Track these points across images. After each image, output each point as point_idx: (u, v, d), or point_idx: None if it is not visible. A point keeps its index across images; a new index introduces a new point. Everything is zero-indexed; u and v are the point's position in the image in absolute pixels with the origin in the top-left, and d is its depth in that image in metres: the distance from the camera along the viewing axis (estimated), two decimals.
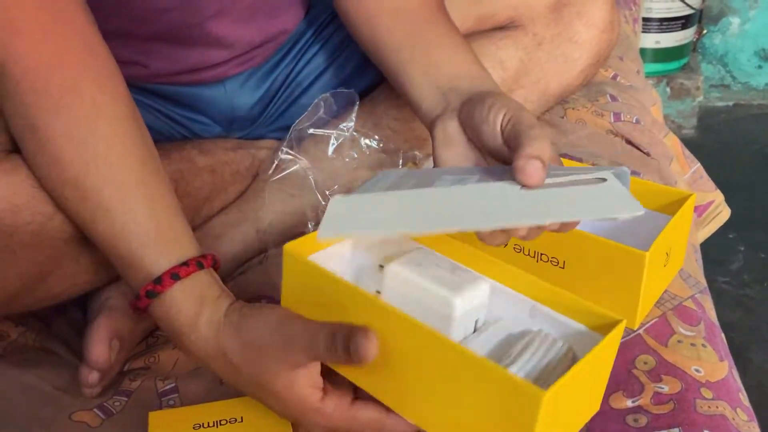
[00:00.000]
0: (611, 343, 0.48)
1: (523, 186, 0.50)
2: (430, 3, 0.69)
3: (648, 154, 0.87)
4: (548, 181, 0.51)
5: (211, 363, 0.52)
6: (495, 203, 0.50)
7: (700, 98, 2.07)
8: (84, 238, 0.57)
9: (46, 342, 0.68)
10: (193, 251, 0.54)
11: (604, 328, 0.49)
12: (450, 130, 0.59)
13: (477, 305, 0.50)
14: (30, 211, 0.53)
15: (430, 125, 0.62)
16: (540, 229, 0.51)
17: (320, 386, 0.50)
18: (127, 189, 0.53)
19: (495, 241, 0.51)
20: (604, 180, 0.50)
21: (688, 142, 1.06)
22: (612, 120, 0.92)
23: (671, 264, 0.67)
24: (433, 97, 0.63)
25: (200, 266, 0.53)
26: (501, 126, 0.54)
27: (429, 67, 0.65)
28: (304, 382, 0.49)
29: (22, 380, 0.61)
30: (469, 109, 0.58)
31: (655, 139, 0.92)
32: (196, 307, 0.52)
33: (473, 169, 0.58)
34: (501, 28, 0.82)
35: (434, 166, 0.61)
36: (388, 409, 0.50)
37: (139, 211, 0.53)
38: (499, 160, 0.56)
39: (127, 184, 0.53)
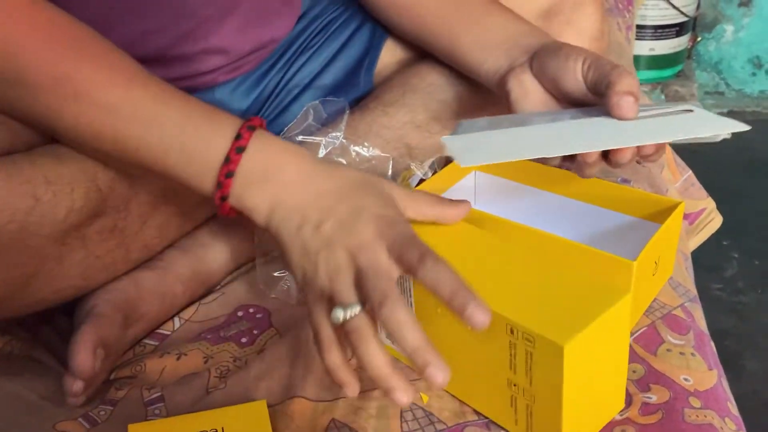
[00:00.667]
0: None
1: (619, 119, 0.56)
2: None
3: (638, 162, 0.87)
4: (639, 115, 0.57)
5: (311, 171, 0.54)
6: (602, 131, 0.56)
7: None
8: (65, 237, 0.56)
9: (31, 351, 0.67)
10: (239, 122, 0.54)
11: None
12: (526, 82, 0.65)
13: None
14: (9, 209, 0.53)
15: (499, 83, 0.68)
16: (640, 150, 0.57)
17: None
18: (162, 100, 0.55)
19: (593, 170, 0.59)
20: (691, 111, 0.57)
21: (682, 149, 1.06)
22: None
23: (660, 273, 0.67)
24: (496, 57, 0.69)
25: (252, 129, 0.54)
26: (582, 73, 0.61)
27: (484, 32, 0.71)
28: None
29: (6, 389, 0.61)
30: (543, 62, 0.64)
31: None
32: (278, 156, 0.54)
33: (558, 112, 0.63)
34: None
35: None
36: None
37: (177, 117, 0.54)
38: (581, 104, 0.63)
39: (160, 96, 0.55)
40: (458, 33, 0.73)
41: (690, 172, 0.99)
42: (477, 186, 0.80)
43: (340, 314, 0.48)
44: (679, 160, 0.99)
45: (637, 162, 0.60)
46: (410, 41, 0.81)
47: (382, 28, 0.83)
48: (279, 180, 0.53)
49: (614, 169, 0.59)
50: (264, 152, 0.53)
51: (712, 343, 0.67)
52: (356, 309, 0.48)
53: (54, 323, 0.70)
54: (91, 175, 0.59)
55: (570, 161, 0.61)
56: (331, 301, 0.50)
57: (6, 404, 0.60)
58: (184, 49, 0.71)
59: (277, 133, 0.77)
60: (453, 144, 0.59)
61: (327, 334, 0.50)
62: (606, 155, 0.58)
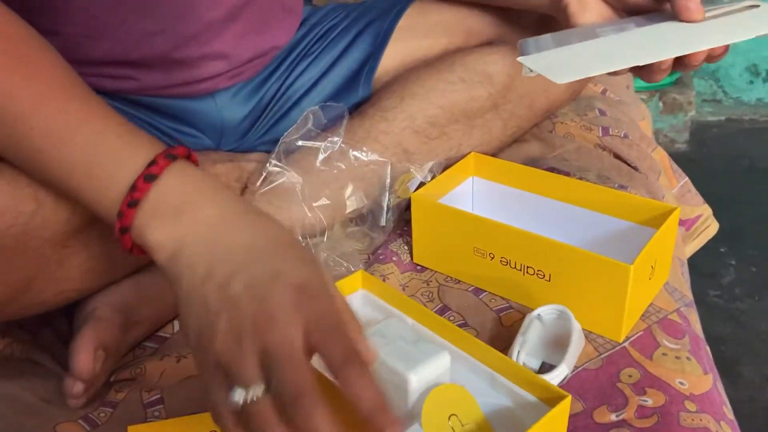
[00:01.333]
0: (558, 417, 0.50)
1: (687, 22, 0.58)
2: None
3: (636, 169, 0.87)
4: (706, 15, 0.59)
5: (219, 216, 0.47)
6: (677, 36, 0.58)
7: (692, 113, 2.08)
8: (67, 240, 0.57)
9: (31, 353, 0.68)
10: (159, 149, 0.49)
11: (552, 400, 0.51)
12: None
13: (436, 376, 0.53)
14: (12, 213, 0.53)
15: (553, 1, 0.68)
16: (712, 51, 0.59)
17: None
18: (72, 118, 0.50)
19: (664, 75, 0.60)
20: (757, 6, 0.59)
21: (680, 156, 1.07)
22: (600, 134, 0.92)
23: (656, 277, 0.67)
24: None
25: (172, 158, 0.48)
26: None
27: None
28: None
29: (7, 391, 0.61)
30: None
31: (643, 153, 0.92)
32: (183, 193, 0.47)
33: (622, 22, 0.65)
34: (489, 43, 0.83)
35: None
36: None
37: (90, 134, 0.49)
38: (640, 13, 0.64)
39: (71, 114, 0.50)
40: None
41: (686, 178, 1.00)
42: (474, 191, 0.81)
43: (239, 397, 0.40)
44: (675, 166, 1.00)
45: (708, 61, 0.61)
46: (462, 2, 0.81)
47: (385, 32, 0.84)
48: (191, 220, 0.47)
49: (686, 71, 0.62)
50: (180, 186, 0.48)
51: (708, 348, 0.68)
52: (258, 391, 0.40)
53: (54, 326, 0.71)
54: None
55: (638, 68, 0.61)
56: (229, 376, 0.41)
57: (6, 406, 0.60)
58: (185, 53, 0.72)
59: (278, 139, 0.78)
60: (535, 63, 0.59)
61: (225, 414, 0.41)
62: (678, 59, 0.60)
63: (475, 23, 0.84)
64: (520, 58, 0.60)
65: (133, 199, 0.47)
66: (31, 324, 0.70)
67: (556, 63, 0.59)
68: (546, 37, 0.65)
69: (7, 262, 0.54)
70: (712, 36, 0.58)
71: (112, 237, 0.62)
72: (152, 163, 0.48)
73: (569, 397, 0.50)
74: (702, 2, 0.59)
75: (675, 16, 0.60)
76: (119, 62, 0.71)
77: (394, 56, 0.85)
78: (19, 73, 0.50)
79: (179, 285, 0.45)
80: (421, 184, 0.76)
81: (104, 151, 0.49)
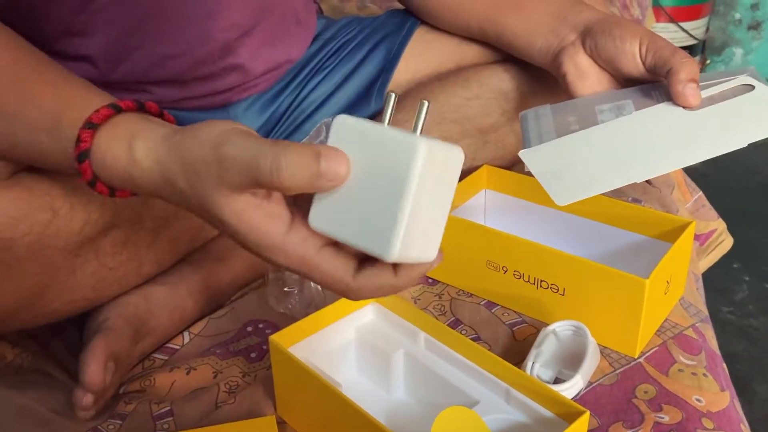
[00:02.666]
0: None
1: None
2: None
3: (649, 182, 0.87)
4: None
5: (165, 195, 0.45)
6: (673, 136, 0.59)
7: None
8: (79, 249, 0.57)
9: (41, 364, 0.67)
10: (105, 101, 0.49)
11: (570, 416, 0.50)
12: (581, 63, 0.68)
13: (446, 170, 0.40)
14: (27, 221, 0.53)
15: (553, 62, 0.70)
16: None
17: (282, 216, 0.41)
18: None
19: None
20: (752, 87, 0.60)
21: (693, 171, 1.06)
22: None
23: (672, 292, 0.66)
24: (544, 37, 0.72)
25: (116, 108, 0.47)
26: (641, 56, 0.64)
27: (528, 15, 0.74)
28: (254, 210, 0.41)
29: (17, 402, 0.61)
30: (597, 42, 0.66)
31: None
32: (126, 143, 0.46)
33: (617, 94, 0.66)
34: (504, 60, 0.83)
35: (571, 98, 0.68)
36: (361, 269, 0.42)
37: (38, 94, 0.49)
38: (636, 83, 0.66)
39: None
40: (503, 21, 0.76)
41: (700, 193, 0.99)
42: (487, 204, 0.80)
43: None
44: (689, 180, 0.99)
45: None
46: (459, 34, 0.83)
47: (398, 47, 0.84)
48: (135, 187, 0.47)
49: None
50: (130, 121, 0.47)
51: (724, 365, 0.67)
52: None
53: (64, 336, 0.71)
54: None
55: None
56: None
57: (16, 417, 0.60)
58: (202, 71, 0.72)
59: None
60: (537, 167, 0.61)
61: None
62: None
63: (486, 46, 0.84)
64: (520, 154, 0.62)
65: (89, 122, 0.46)
66: (41, 334, 0.70)
67: (555, 171, 0.61)
68: (546, 113, 0.66)
69: (21, 270, 0.54)
70: (711, 140, 0.59)
71: (123, 247, 0.62)
72: (96, 111, 0.47)
73: (587, 413, 0.49)
74: (698, 88, 0.60)
75: (670, 96, 0.61)
76: (137, 81, 0.72)
77: (406, 71, 0.85)
78: None
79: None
80: None
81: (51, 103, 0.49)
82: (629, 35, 0.64)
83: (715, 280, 1.36)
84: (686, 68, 0.60)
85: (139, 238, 0.63)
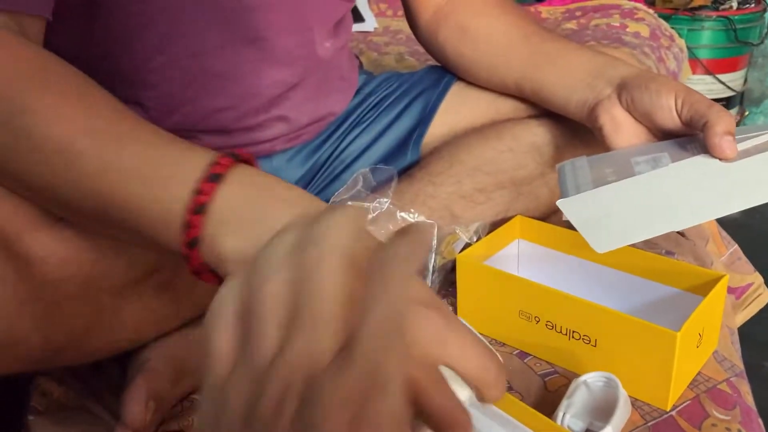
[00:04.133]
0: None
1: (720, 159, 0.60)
2: (521, 22, 0.81)
3: (683, 235, 0.87)
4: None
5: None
6: (710, 186, 0.61)
7: None
8: (123, 290, 0.59)
9: (84, 401, 0.69)
10: (199, 167, 0.44)
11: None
12: (618, 116, 0.69)
13: None
14: (76, 262, 0.56)
15: (589, 116, 0.72)
16: None
17: None
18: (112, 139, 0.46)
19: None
20: None
21: (731, 223, 1.06)
22: None
23: (705, 345, 0.66)
24: (581, 92, 0.74)
25: (234, 157, 0.44)
26: (677, 110, 0.65)
27: (564, 71, 0.76)
28: None
29: None
30: (633, 96, 0.68)
31: None
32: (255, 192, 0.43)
33: (653, 147, 0.68)
34: (538, 115, 0.85)
35: (607, 151, 0.70)
36: None
37: (141, 145, 0.46)
38: (672, 136, 0.67)
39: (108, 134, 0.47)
40: (540, 78, 0.78)
41: (736, 246, 0.99)
42: (520, 253, 0.81)
43: None
44: (724, 233, 0.99)
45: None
46: (495, 90, 0.85)
47: (435, 101, 0.87)
48: (268, 219, 0.42)
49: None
50: (248, 186, 0.43)
51: (761, 421, 0.66)
52: None
53: (106, 375, 0.73)
54: None
55: None
56: None
57: None
58: (248, 122, 0.76)
59: (327, 200, 0.80)
60: (575, 215, 0.63)
61: None
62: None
63: (522, 101, 0.86)
64: (559, 203, 0.64)
65: (198, 204, 0.42)
66: (83, 372, 0.72)
67: (594, 220, 0.63)
68: (583, 165, 0.68)
69: (69, 310, 0.56)
70: (747, 192, 0.61)
71: (164, 289, 0.64)
72: (215, 163, 0.43)
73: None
74: (734, 140, 0.61)
75: (705, 148, 0.62)
76: (187, 130, 0.76)
77: (442, 124, 0.87)
78: (65, 96, 0.47)
79: None
80: (467, 246, 0.77)
81: (160, 158, 0.45)
82: (665, 90, 0.66)
83: (759, 333, 1.33)
84: (722, 121, 0.61)
85: (180, 282, 0.65)
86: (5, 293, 0.53)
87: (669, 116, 0.66)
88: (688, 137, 0.67)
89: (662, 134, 0.69)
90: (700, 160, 0.62)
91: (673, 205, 0.62)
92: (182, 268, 0.66)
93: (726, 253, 0.97)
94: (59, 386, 0.70)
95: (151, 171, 0.44)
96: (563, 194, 0.65)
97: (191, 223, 0.43)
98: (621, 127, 0.69)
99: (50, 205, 0.51)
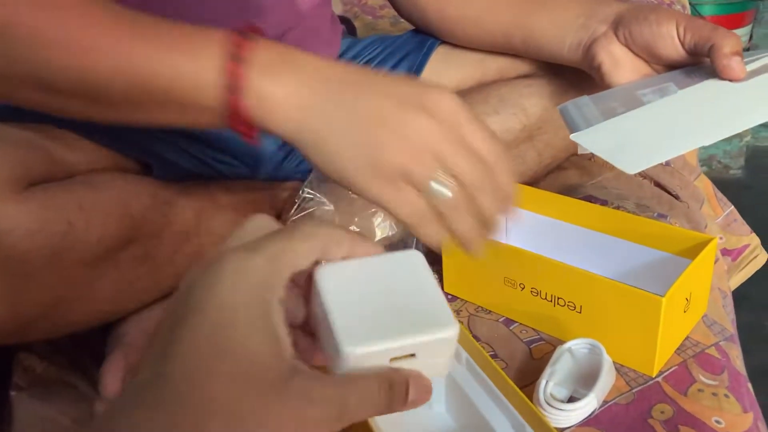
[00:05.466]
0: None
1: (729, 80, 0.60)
2: None
3: (677, 197, 0.85)
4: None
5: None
6: (726, 102, 0.60)
7: (748, 138, 2.03)
8: (96, 262, 0.58)
9: (67, 375, 0.69)
10: (230, 32, 0.48)
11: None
12: (616, 52, 0.67)
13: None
14: (43, 234, 0.54)
15: (584, 57, 0.70)
16: None
17: None
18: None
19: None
20: None
21: (735, 183, 1.04)
22: None
23: (693, 310, 0.65)
24: (574, 32, 0.71)
25: (247, 36, 0.48)
26: (680, 37, 0.64)
27: (555, 13, 0.74)
28: None
29: (43, 413, 0.62)
30: (631, 30, 0.66)
31: (684, 181, 0.90)
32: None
33: (656, 79, 0.66)
34: (525, 75, 0.82)
35: (608, 89, 0.67)
36: None
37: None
38: (674, 67, 0.66)
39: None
40: (530, 23, 0.76)
41: (732, 207, 0.97)
42: (508, 220, 0.80)
43: (444, 189, 0.46)
44: (720, 195, 0.97)
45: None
46: (481, 46, 0.83)
47: (419, 64, 0.84)
48: (300, 65, 0.48)
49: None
50: (273, 45, 0.48)
51: (750, 385, 0.65)
52: (448, 182, 0.46)
53: (91, 349, 0.72)
54: (125, 203, 0.61)
55: None
56: (414, 179, 0.46)
57: (42, 428, 0.61)
58: None
59: (312, 168, 0.79)
60: (594, 144, 0.61)
61: (423, 207, 0.47)
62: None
63: (508, 60, 0.84)
64: (573, 137, 0.62)
65: (235, 54, 0.46)
66: (67, 346, 0.72)
67: (615, 145, 0.60)
68: (586, 102, 0.65)
69: (38, 282, 0.55)
70: (763, 106, 0.59)
71: (141, 261, 0.63)
72: (239, 29, 0.48)
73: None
74: (742, 60, 0.60)
75: (717, 73, 0.61)
76: None
77: None
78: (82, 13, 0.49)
79: (322, 125, 0.46)
80: None
81: (185, 29, 0.48)
82: (665, 19, 0.65)
83: (760, 294, 1.32)
84: (729, 42, 0.60)
85: (159, 253, 0.65)
86: None
87: (671, 45, 0.65)
88: (691, 67, 0.65)
89: (664, 67, 0.67)
90: (710, 84, 0.61)
91: (693, 124, 0.60)
92: (160, 239, 0.66)
93: (722, 214, 0.95)
94: (41, 361, 0.69)
95: (187, 40, 0.47)
96: (573, 130, 0.63)
97: (232, 71, 0.46)
98: (620, 63, 0.67)
99: (73, 104, 0.51)
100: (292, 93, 0.47)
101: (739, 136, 2.02)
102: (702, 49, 0.62)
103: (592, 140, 0.61)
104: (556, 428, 0.52)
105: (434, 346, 0.37)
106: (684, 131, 0.60)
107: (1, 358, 0.69)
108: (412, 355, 0.36)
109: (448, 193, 0.46)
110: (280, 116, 0.47)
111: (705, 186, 0.94)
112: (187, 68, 0.47)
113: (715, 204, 0.95)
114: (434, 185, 0.46)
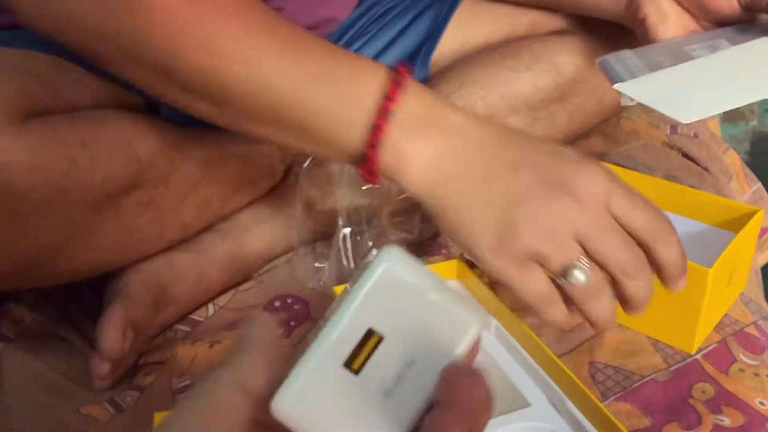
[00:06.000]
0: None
1: None
2: None
3: (706, 169, 0.81)
4: None
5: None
6: None
7: (754, 122, 2.00)
8: (99, 206, 0.53)
9: (59, 329, 0.65)
10: (382, 73, 0.46)
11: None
12: (663, 5, 0.63)
13: None
14: (42, 171, 0.50)
15: (627, 9, 0.66)
16: None
17: None
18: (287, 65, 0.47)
19: None
20: None
21: (754, 160, 1.00)
22: (669, 132, 0.86)
23: (733, 285, 0.61)
24: None
25: (400, 85, 0.46)
26: None
27: None
28: None
29: (32, 367, 0.58)
30: None
31: (713, 154, 0.86)
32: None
33: (705, 35, 0.63)
34: (557, 32, 0.78)
35: (653, 44, 0.64)
36: None
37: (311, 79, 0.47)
38: (727, 23, 0.62)
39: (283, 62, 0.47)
40: None
41: (759, 184, 0.93)
42: None
43: (581, 276, 0.43)
44: (747, 171, 0.93)
45: None
46: (526, 4, 0.78)
47: (444, 16, 0.79)
48: (445, 125, 0.46)
49: None
50: (422, 96, 0.46)
51: None
52: (588, 267, 0.43)
53: (83, 301, 0.68)
54: (131, 144, 0.56)
55: None
56: (548, 261, 0.43)
57: (31, 383, 0.57)
58: None
59: None
60: (643, 94, 0.56)
61: (556, 299, 0.45)
62: None
63: (540, 14, 0.79)
64: (617, 86, 0.57)
65: (386, 110, 0.44)
66: (59, 298, 0.67)
67: (666, 96, 0.55)
68: (629, 56, 0.61)
69: (37, 223, 0.50)
70: None
71: (146, 208, 0.59)
72: (395, 72, 0.46)
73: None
74: None
75: None
76: None
77: (453, 41, 0.80)
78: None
79: (449, 194, 0.45)
80: None
81: (341, 61, 0.47)
82: None
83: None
84: None
85: (164, 201, 0.60)
86: None
87: (726, 1, 0.61)
88: (742, 24, 0.62)
89: (713, 24, 0.64)
90: (766, 41, 0.58)
91: (750, 78, 0.57)
92: (166, 186, 0.61)
93: (749, 191, 0.91)
94: (30, 312, 0.65)
95: (335, 73, 0.46)
96: (616, 81, 0.58)
97: (378, 126, 0.45)
98: (667, 17, 0.63)
99: (200, 106, 0.50)
100: (431, 157, 0.45)
101: (745, 120, 1.98)
102: (759, 4, 0.59)
103: (639, 90, 0.56)
104: None
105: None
106: (740, 84, 0.56)
107: None
108: None
109: (585, 280, 0.43)
110: (414, 176, 0.46)
111: (733, 161, 0.90)
112: (331, 108, 0.46)
113: (742, 179, 0.91)
114: (571, 271, 0.43)
